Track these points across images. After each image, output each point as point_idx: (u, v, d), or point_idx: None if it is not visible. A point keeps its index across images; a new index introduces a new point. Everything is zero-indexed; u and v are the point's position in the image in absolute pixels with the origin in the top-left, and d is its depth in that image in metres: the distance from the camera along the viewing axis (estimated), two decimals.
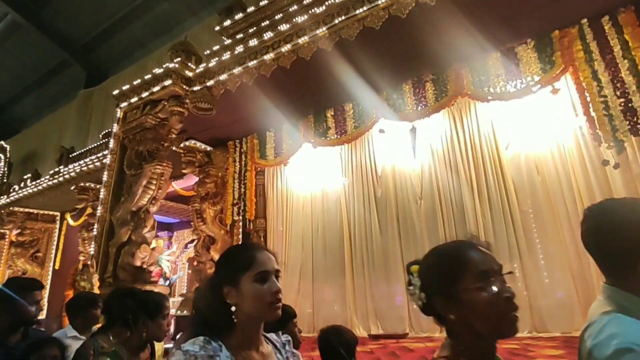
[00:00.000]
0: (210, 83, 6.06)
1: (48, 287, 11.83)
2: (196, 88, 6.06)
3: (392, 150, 7.04)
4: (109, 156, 6.28)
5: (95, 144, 11.22)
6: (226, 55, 6.16)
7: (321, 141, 6.79)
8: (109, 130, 11.24)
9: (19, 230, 11.83)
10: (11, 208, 11.68)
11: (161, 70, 6.10)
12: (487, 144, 6.12)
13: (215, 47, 6.81)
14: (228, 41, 7.01)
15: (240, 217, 7.48)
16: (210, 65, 6.08)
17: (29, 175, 12.36)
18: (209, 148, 8.09)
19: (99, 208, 5.93)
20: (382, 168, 7.03)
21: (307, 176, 7.87)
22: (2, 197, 12.65)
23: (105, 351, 1.81)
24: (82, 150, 11.44)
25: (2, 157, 14.41)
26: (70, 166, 10.76)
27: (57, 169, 11.02)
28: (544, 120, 5.73)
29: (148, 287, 5.32)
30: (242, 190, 7.46)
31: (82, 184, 9.93)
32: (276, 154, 7.24)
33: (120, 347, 1.83)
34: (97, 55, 15.24)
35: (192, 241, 16.14)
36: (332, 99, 6.71)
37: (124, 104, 6.55)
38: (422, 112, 5.88)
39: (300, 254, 7.45)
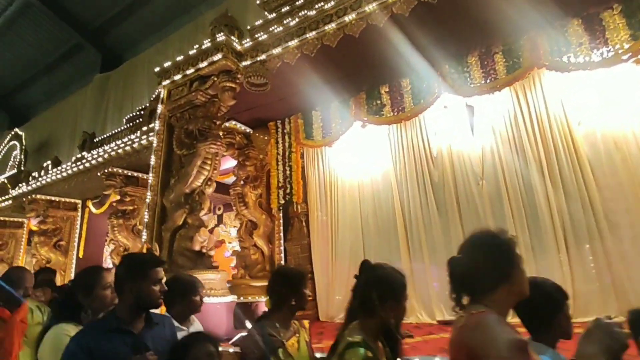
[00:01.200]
0: (262, 57, 5.68)
1: (72, 276, 11.60)
2: (248, 62, 5.68)
3: (446, 129, 6.67)
4: (154, 137, 5.93)
5: (120, 129, 10.87)
6: (277, 28, 5.77)
7: (375, 119, 6.44)
8: (134, 113, 10.92)
9: (40, 219, 11.53)
10: (33, 196, 11.35)
11: (209, 44, 5.71)
12: (556, 120, 5.74)
13: (259, 22, 6.40)
14: (272, 15, 6.60)
15: (284, 201, 7.18)
16: (262, 38, 5.68)
17: (49, 162, 12.02)
18: (248, 129, 7.74)
19: (148, 192, 5.60)
20: (436, 149, 6.67)
21: (352, 158, 7.51)
22: (21, 184, 12.34)
23: (355, 341, 1.50)
24: (106, 136, 11.10)
25: (18, 144, 14.04)
26: (94, 152, 10.41)
27: (80, 155, 10.66)
28: (620, 94, 5.37)
29: (209, 273, 5.05)
30: (288, 172, 7.14)
31: (109, 170, 9.58)
32: (324, 134, 6.90)
33: (367, 335, 1.53)
34: (113, 38, 14.74)
35: (211, 230, 15.90)
36: (386, 74, 6.35)
37: (166, 82, 6.17)
38: (491, 86, 5.52)
39: (348, 240, 7.14)
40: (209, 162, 5.36)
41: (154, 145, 5.86)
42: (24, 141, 14.38)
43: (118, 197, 11.13)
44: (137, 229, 9.94)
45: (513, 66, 5.38)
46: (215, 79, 5.75)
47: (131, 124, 10.56)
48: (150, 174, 5.70)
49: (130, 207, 9.83)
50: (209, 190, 5.39)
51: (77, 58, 15.25)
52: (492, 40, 5.55)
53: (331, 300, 7.07)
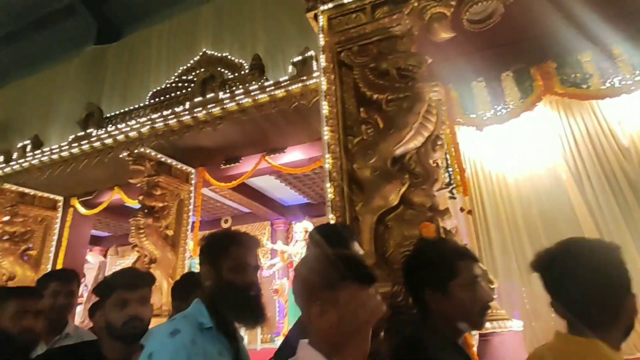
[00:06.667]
0: None
1: None
2: None
3: (631, 115, 5.51)
4: (322, 79, 3.93)
5: (138, 105, 8.44)
6: None
7: (578, 92, 5.06)
8: (160, 87, 8.56)
9: (7, 218, 8.32)
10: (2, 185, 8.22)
11: None
12: None
13: None
14: None
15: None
16: None
17: (25, 142, 8.95)
18: None
19: (327, 154, 3.55)
20: (627, 138, 5.44)
21: (496, 145, 6.02)
22: None
23: None
24: (120, 112, 8.53)
25: None
26: (104, 129, 7.78)
27: (86, 132, 7.93)
28: None
29: None
30: (444, 156, 5.41)
31: (137, 150, 7.07)
32: (497, 110, 5.34)
33: None
34: (113, 7, 12.13)
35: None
36: (588, 40, 5.07)
37: (328, 6, 4.30)
38: None
39: (510, 247, 5.50)
40: (433, 111, 3.51)
41: (322, 88, 3.86)
42: None
43: (124, 195, 8.49)
44: (166, 234, 7.38)
45: None
46: (416, 3, 4.01)
47: (160, 98, 8.20)
48: (326, 128, 3.66)
49: (160, 204, 7.30)
50: (436, 155, 3.50)
51: (62, 25, 12.25)
52: None
53: None
